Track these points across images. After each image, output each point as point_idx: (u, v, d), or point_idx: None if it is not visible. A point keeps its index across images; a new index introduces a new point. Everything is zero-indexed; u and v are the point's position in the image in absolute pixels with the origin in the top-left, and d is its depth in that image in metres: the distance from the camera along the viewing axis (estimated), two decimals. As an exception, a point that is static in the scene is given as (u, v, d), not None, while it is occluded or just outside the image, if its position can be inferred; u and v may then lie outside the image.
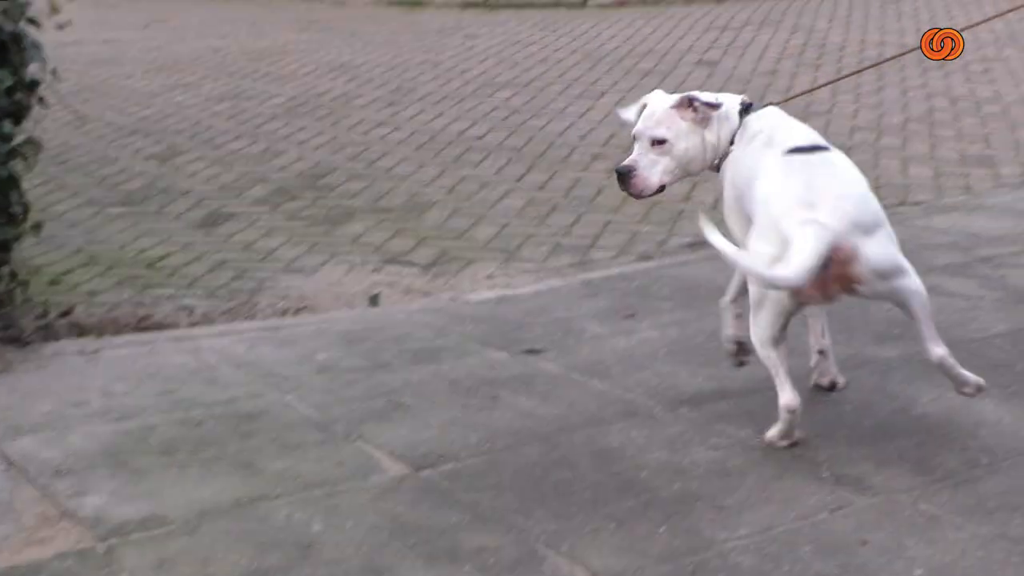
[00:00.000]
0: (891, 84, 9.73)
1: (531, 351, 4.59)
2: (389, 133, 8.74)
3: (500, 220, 6.73)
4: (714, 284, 5.24)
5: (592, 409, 4.07)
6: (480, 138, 8.51)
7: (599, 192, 7.14)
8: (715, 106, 3.93)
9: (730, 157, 3.95)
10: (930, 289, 4.99)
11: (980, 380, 3.70)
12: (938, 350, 3.68)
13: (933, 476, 3.54)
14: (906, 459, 3.64)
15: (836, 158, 3.78)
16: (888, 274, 3.62)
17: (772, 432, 3.77)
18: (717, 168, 4.00)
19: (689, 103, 3.92)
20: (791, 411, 3.71)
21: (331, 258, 6.22)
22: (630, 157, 3.95)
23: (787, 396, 3.71)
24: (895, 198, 6.76)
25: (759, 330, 3.73)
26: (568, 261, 6.02)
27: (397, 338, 4.81)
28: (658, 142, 3.93)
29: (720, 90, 9.64)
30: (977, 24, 6.39)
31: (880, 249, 3.59)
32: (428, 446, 3.83)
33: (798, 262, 3.44)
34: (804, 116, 8.72)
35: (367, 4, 15.63)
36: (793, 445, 3.73)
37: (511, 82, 10.33)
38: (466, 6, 15.17)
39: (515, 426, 3.96)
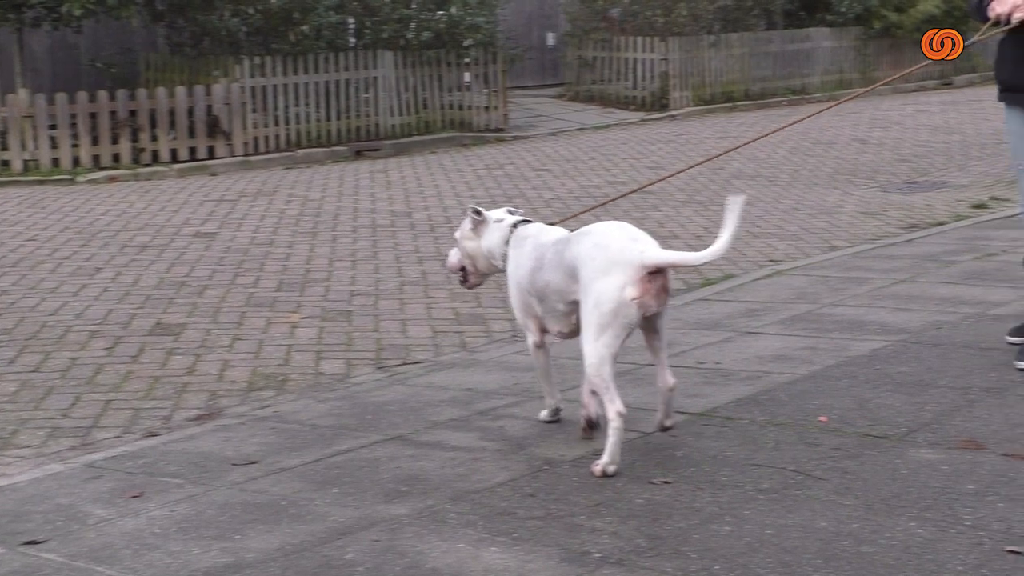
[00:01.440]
0: (385, 249, 10.09)
1: (31, 542, 4.35)
2: None
3: (-8, 407, 6.39)
4: (223, 455, 5.20)
5: (101, 597, 3.90)
6: (-34, 322, 8.08)
7: (98, 371, 6.93)
8: (477, 215, 5.31)
9: (509, 257, 5.20)
10: (435, 445, 5.20)
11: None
12: (669, 379, 4.93)
13: (449, 627, 3.63)
14: (422, 613, 3.71)
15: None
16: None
17: (604, 459, 4.68)
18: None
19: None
20: (622, 415, 4.66)
21: None
22: None
23: (619, 404, 4.67)
24: (397, 358, 6.97)
25: (605, 348, 4.69)
26: (69, 444, 5.77)
27: None
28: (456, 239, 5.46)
29: (221, 260, 9.67)
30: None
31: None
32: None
33: (702, 253, 4.74)
34: (304, 283, 8.90)
35: None
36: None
37: (-3, 262, 9.91)
38: (-56, 185, 14.48)
39: (17, 624, 3.74)
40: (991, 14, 5.76)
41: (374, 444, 5.23)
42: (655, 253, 4.75)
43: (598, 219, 5.84)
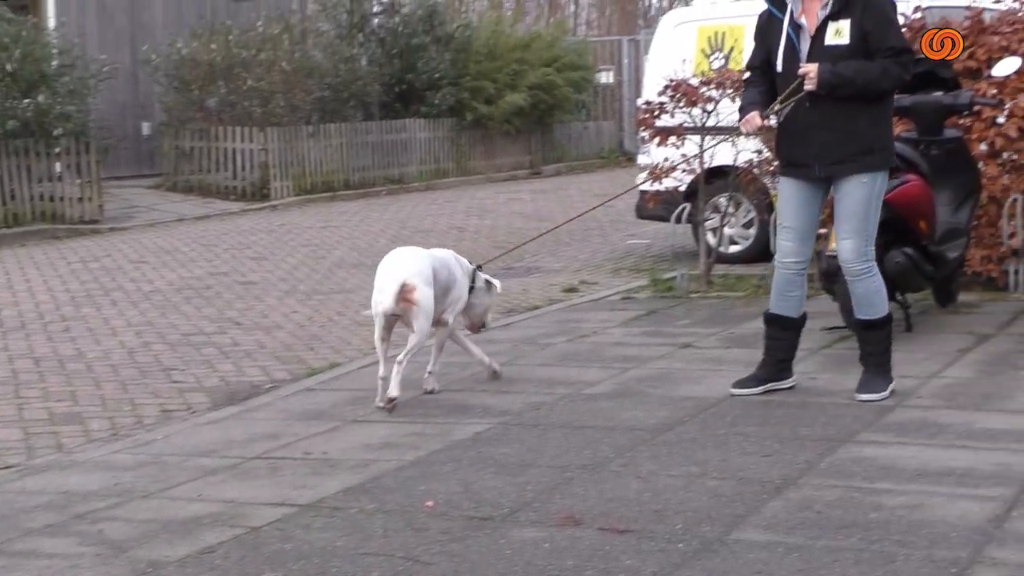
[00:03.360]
0: (-28, 348, 9.56)
1: None
2: None
3: None
4: None
5: None
6: None
7: None
8: None
9: None
10: (28, 553, 4.94)
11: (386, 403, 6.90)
12: (400, 356, 6.90)
13: None
14: None
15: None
16: (422, 304, 6.86)
17: (377, 399, 6.99)
18: None
19: None
20: (383, 378, 6.94)
21: None
22: None
23: (381, 370, 6.97)
24: (-14, 464, 6.57)
25: (376, 330, 6.99)
26: None
27: None
28: None
29: None
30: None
31: (425, 291, 6.87)
32: None
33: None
34: None
35: None
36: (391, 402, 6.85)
37: None
38: None
39: None
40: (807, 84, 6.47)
41: (-39, 557, 4.90)
42: (401, 272, 6.85)
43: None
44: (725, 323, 9.09)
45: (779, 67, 6.67)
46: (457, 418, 6.78)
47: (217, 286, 12.43)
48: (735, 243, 12.60)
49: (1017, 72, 9.26)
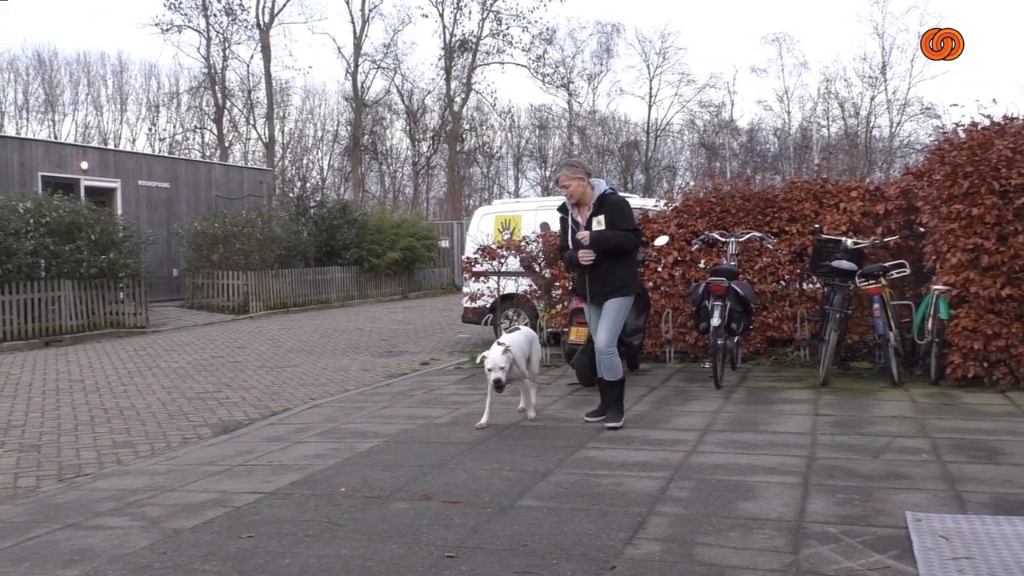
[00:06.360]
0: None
1: None
2: None
3: None
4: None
5: None
6: None
7: None
8: None
9: None
10: (99, 527, 4.57)
11: None
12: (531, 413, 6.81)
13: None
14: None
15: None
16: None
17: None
18: None
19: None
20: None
21: None
22: None
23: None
24: None
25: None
26: None
27: None
28: None
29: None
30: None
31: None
32: None
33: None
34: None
35: None
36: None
37: None
38: None
39: None
40: (583, 262, 6.38)
41: None
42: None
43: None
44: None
45: (570, 243, 6.57)
46: (359, 439, 6.61)
47: (216, 364, 11.95)
48: (517, 337, 12.67)
49: (667, 244, 9.67)
